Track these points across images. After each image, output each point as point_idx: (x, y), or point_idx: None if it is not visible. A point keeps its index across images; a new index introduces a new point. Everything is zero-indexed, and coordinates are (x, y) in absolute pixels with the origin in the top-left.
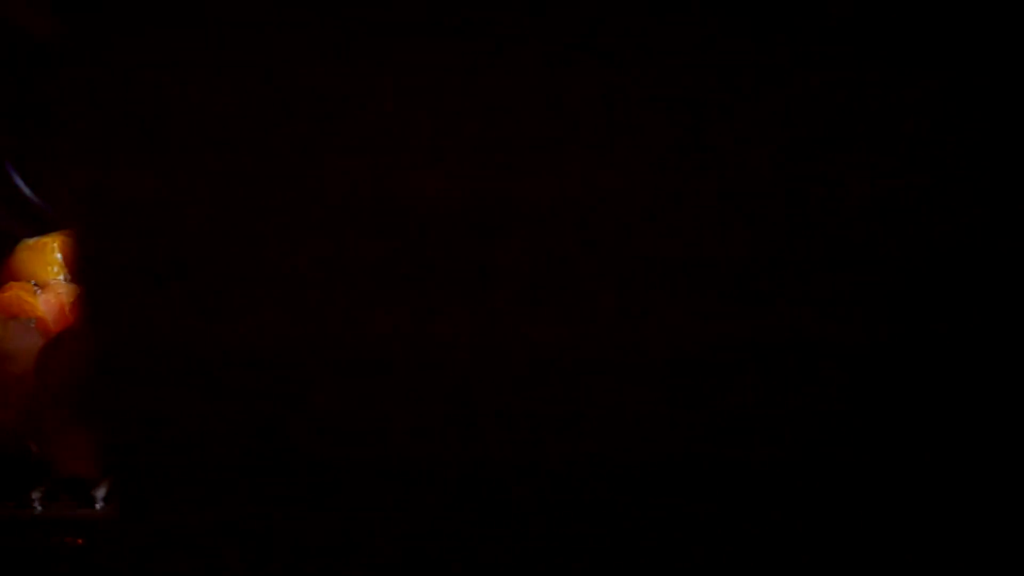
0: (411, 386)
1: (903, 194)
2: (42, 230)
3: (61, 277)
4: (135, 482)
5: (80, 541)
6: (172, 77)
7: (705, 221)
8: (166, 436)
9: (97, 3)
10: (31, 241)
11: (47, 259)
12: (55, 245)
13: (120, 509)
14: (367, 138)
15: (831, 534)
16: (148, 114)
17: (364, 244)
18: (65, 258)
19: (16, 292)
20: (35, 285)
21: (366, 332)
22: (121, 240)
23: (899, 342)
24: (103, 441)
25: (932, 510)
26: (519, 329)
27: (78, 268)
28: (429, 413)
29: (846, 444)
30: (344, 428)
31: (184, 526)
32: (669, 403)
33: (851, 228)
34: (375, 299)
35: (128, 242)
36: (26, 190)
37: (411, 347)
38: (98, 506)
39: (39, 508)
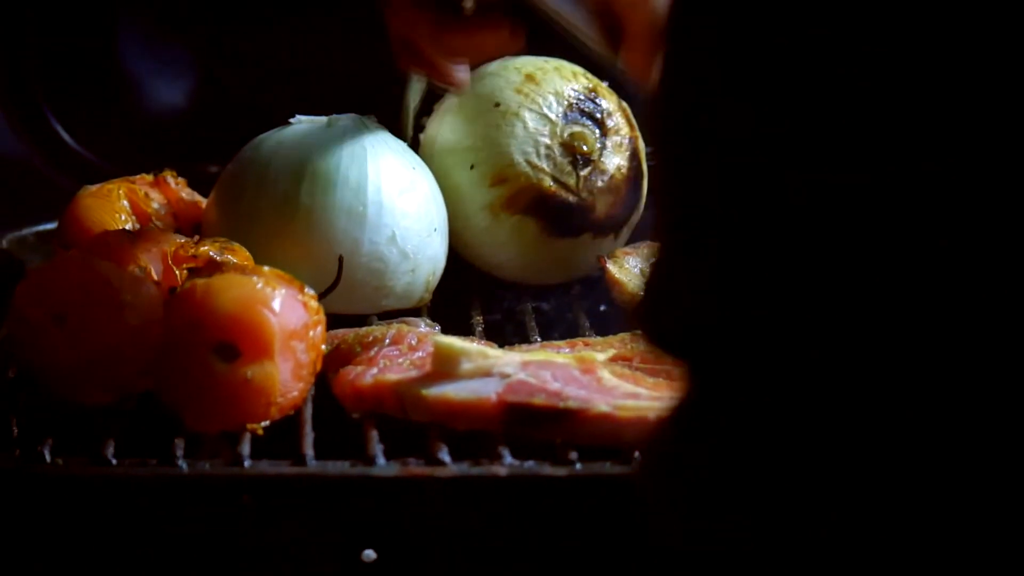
0: None
1: None
2: (86, 179)
3: (129, 225)
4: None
5: (246, 498)
6: None
7: None
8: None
9: None
10: (93, 188)
11: (114, 206)
12: (120, 191)
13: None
14: None
15: None
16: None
17: None
18: (132, 204)
19: (112, 241)
20: (129, 232)
21: None
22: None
23: None
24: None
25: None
26: None
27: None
28: None
29: None
30: None
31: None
32: None
33: None
34: None
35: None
36: (66, 136)
37: None
38: (247, 464)
39: (184, 467)
